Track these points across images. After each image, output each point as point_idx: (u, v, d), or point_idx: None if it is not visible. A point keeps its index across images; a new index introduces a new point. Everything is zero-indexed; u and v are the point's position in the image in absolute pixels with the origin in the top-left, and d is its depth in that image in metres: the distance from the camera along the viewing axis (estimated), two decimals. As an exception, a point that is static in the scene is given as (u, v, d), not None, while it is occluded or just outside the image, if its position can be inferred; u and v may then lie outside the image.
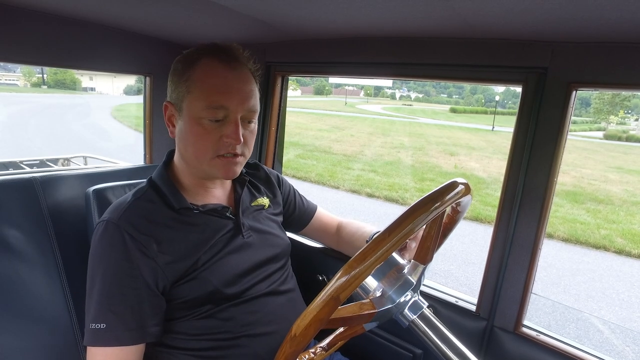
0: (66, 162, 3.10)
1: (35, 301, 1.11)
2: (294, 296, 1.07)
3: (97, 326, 0.82)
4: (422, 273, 0.75)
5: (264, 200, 1.13)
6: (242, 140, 0.90)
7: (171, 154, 1.03)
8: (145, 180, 1.01)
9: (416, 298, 0.74)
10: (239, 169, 0.96)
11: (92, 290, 0.85)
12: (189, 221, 0.94)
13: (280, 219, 1.17)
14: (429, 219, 0.60)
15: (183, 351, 0.91)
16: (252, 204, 1.09)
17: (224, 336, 0.92)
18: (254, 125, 0.96)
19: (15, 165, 2.78)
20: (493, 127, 29.39)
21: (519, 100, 1.03)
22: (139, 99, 1.76)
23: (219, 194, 1.04)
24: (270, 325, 0.96)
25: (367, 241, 0.73)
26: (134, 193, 0.96)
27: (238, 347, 0.92)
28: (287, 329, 0.59)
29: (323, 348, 0.79)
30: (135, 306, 0.84)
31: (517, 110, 1.03)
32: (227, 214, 1.00)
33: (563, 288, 4.86)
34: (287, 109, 1.65)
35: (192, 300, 0.90)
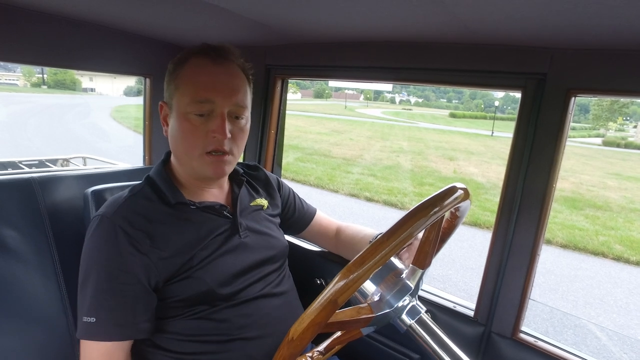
0: (65, 162, 3.10)
1: (31, 301, 1.11)
2: (289, 298, 1.06)
3: (88, 320, 0.82)
4: (421, 278, 0.74)
5: (263, 201, 1.12)
6: (228, 135, 0.90)
7: (170, 153, 1.03)
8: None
9: (414, 303, 0.74)
10: (229, 168, 0.96)
11: (84, 284, 0.85)
12: (185, 217, 0.94)
13: (278, 220, 1.17)
14: (428, 224, 0.60)
15: (177, 354, 0.90)
16: (251, 204, 1.09)
17: (218, 338, 0.91)
18: (244, 122, 0.96)
19: (13, 165, 2.78)
20: (492, 133, 29.50)
21: (518, 105, 1.03)
22: (139, 100, 1.76)
23: (216, 193, 1.04)
24: (265, 328, 0.96)
25: (370, 242, 0.73)
26: (131, 189, 0.96)
27: (232, 351, 0.92)
28: (282, 331, 0.59)
29: (320, 352, 0.78)
30: (126, 301, 0.84)
31: (516, 116, 1.03)
32: (225, 213, 1.00)
33: (561, 294, 4.85)
34: (287, 112, 1.65)
35: (185, 300, 0.90)
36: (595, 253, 6.50)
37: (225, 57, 0.93)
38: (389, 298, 0.72)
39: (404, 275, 0.74)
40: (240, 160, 1.08)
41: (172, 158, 1.01)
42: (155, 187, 0.96)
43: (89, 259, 0.86)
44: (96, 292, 0.83)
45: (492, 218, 7.05)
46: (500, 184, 1.08)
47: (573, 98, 0.95)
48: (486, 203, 8.79)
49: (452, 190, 0.64)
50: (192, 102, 0.88)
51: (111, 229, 0.86)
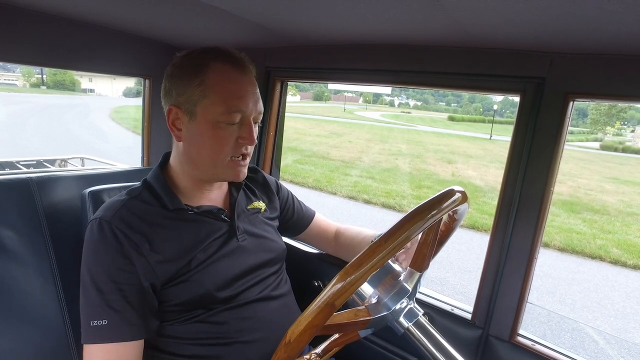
0: (63, 162, 3.09)
1: (28, 302, 1.10)
2: (287, 301, 1.06)
3: (99, 323, 0.82)
4: (418, 280, 0.74)
5: (260, 204, 1.12)
6: (256, 141, 0.94)
7: (167, 156, 1.03)
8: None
9: (412, 305, 0.74)
10: (246, 170, 0.99)
11: (87, 289, 0.84)
12: (183, 222, 0.94)
13: (276, 223, 1.17)
14: (426, 227, 0.60)
15: (176, 356, 0.91)
16: (249, 207, 1.09)
17: (216, 342, 0.91)
18: (258, 127, 0.99)
19: (11, 165, 2.77)
20: (491, 136, 29.55)
21: (516, 109, 1.03)
22: (138, 101, 1.76)
23: (214, 196, 1.03)
24: (263, 331, 0.96)
25: (372, 241, 0.73)
26: (128, 192, 0.96)
27: (231, 354, 0.91)
28: (280, 334, 0.59)
29: (318, 354, 0.78)
30: (134, 302, 0.84)
31: (514, 120, 1.04)
32: (222, 217, 1.00)
33: (559, 297, 4.86)
34: (286, 114, 1.65)
35: (183, 303, 0.90)
36: (593, 256, 6.51)
37: (245, 64, 0.95)
38: (386, 301, 0.72)
39: (401, 278, 0.74)
40: None
41: (175, 162, 1.00)
42: (153, 192, 0.96)
43: (91, 262, 0.86)
44: (103, 294, 0.83)
45: (490, 221, 7.05)
46: (498, 187, 1.08)
47: (571, 102, 0.95)
48: (484, 206, 8.80)
49: (450, 193, 0.64)
50: (226, 112, 0.89)
51: (111, 232, 0.86)
